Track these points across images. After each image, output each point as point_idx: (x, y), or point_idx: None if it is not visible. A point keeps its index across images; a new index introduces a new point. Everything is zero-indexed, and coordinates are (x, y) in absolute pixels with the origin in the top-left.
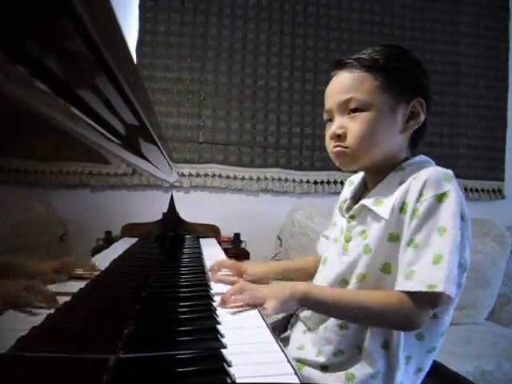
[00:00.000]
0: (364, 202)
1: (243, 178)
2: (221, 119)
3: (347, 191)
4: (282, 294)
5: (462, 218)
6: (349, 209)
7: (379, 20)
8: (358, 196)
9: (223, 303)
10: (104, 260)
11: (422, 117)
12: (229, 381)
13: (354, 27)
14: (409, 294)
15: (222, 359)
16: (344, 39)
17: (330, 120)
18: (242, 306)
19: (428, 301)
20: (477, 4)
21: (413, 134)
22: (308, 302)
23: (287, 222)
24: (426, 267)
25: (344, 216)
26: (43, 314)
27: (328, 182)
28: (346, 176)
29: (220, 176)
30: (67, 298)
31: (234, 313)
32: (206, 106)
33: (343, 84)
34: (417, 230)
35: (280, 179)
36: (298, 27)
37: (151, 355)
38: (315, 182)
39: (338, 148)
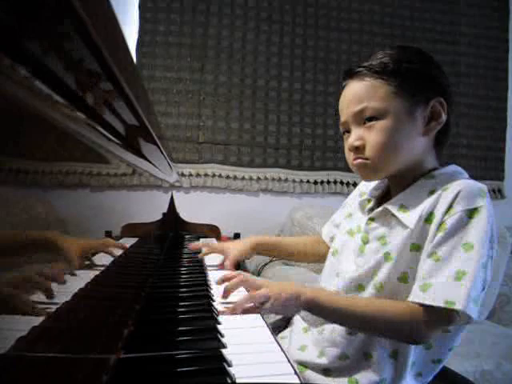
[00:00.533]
0: (388, 206)
1: (243, 178)
2: (220, 119)
3: (365, 187)
4: (286, 295)
5: (491, 239)
6: (371, 209)
7: (379, 20)
8: (380, 198)
9: (224, 294)
10: (104, 260)
11: (444, 117)
12: (229, 381)
13: (353, 27)
14: (422, 306)
15: (222, 359)
16: (344, 39)
17: (348, 131)
18: (242, 306)
19: (443, 317)
20: (476, 4)
21: (437, 136)
22: (313, 309)
23: (287, 221)
24: (446, 282)
25: (364, 214)
26: (43, 314)
27: (328, 182)
28: (346, 176)
29: (220, 176)
30: (67, 298)
31: (234, 312)
32: (206, 106)
33: (356, 94)
34: (441, 242)
35: (280, 179)
36: (297, 27)
37: (151, 355)
38: (315, 182)
39: (359, 160)
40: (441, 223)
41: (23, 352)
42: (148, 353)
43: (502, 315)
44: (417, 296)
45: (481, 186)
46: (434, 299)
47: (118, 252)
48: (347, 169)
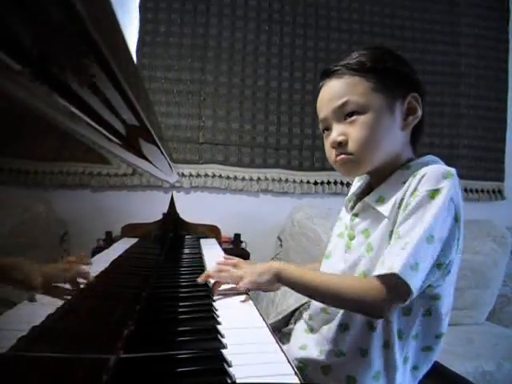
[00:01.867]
0: (367, 199)
1: (243, 179)
2: (221, 120)
3: (355, 186)
4: (259, 269)
5: (456, 218)
6: (353, 206)
7: (379, 21)
8: (362, 194)
9: (206, 277)
10: (104, 260)
11: (420, 111)
12: (229, 381)
13: (354, 28)
14: (376, 279)
15: (222, 359)
16: (344, 40)
17: (327, 129)
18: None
19: (389, 285)
20: (477, 5)
21: (412, 130)
22: (282, 278)
23: (287, 222)
24: (394, 253)
25: (349, 212)
26: (44, 314)
27: (328, 183)
28: (346, 177)
29: (220, 176)
30: (68, 298)
31: (220, 294)
32: (206, 107)
33: (336, 90)
34: (402, 221)
35: (280, 180)
36: (298, 28)
37: (151, 355)
38: (315, 183)
39: (342, 156)
40: (406, 205)
41: (24, 352)
42: (148, 353)
43: (502, 316)
44: (376, 271)
45: (448, 168)
46: (381, 269)
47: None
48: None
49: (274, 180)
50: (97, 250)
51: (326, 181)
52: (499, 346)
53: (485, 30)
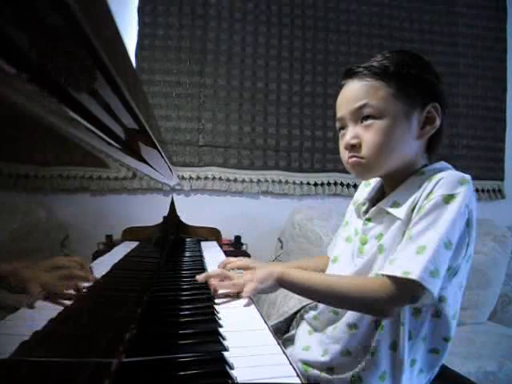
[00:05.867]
0: (381, 204)
1: (243, 181)
2: (220, 122)
3: (363, 192)
4: (260, 276)
5: (468, 224)
6: (366, 211)
7: (377, 22)
8: (375, 199)
9: (207, 277)
10: (105, 264)
11: (438, 121)
12: (231, 383)
13: (352, 29)
14: (388, 279)
15: (224, 362)
16: (343, 41)
17: (343, 128)
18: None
19: (403, 288)
20: (475, 5)
21: (430, 140)
22: (284, 283)
23: (288, 224)
24: (408, 255)
25: (361, 217)
26: (45, 318)
27: (328, 184)
28: (346, 178)
29: (220, 179)
30: (69, 302)
31: (224, 302)
32: (206, 109)
33: (356, 92)
34: (416, 223)
35: (280, 181)
36: (296, 30)
37: (153, 359)
38: (315, 184)
39: (354, 159)
40: (420, 208)
41: (25, 357)
42: (149, 356)
43: (503, 316)
44: (383, 269)
45: (463, 175)
46: (394, 270)
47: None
48: (347, 170)
49: (273, 182)
50: (97, 254)
51: (325, 182)
52: (501, 345)
53: (483, 30)
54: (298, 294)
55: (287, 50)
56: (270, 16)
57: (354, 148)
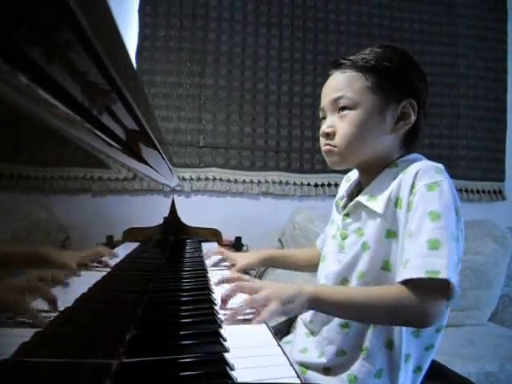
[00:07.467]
0: (358, 198)
1: (244, 182)
2: (221, 123)
3: (344, 187)
4: (287, 295)
5: (456, 212)
6: (344, 206)
7: (378, 22)
8: (353, 194)
9: (223, 303)
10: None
11: (413, 118)
12: None
13: (352, 30)
14: (409, 284)
15: (225, 363)
16: (343, 42)
17: (324, 118)
18: (242, 312)
19: (434, 289)
20: (475, 6)
21: (406, 135)
22: (316, 304)
23: (288, 225)
24: (421, 252)
25: (340, 213)
26: (46, 318)
27: (329, 185)
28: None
29: (221, 180)
30: (69, 303)
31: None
32: (206, 110)
33: (336, 83)
34: (411, 219)
35: (281, 182)
36: (296, 30)
37: (154, 360)
38: (316, 185)
39: (328, 147)
40: (409, 204)
41: (26, 358)
42: (150, 357)
43: (504, 316)
44: (401, 275)
45: (437, 164)
46: (413, 271)
47: (112, 261)
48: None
49: (274, 183)
50: None
51: (326, 183)
52: (502, 346)
53: (483, 31)
54: (328, 313)
55: (288, 51)
56: (271, 17)
57: (328, 136)
